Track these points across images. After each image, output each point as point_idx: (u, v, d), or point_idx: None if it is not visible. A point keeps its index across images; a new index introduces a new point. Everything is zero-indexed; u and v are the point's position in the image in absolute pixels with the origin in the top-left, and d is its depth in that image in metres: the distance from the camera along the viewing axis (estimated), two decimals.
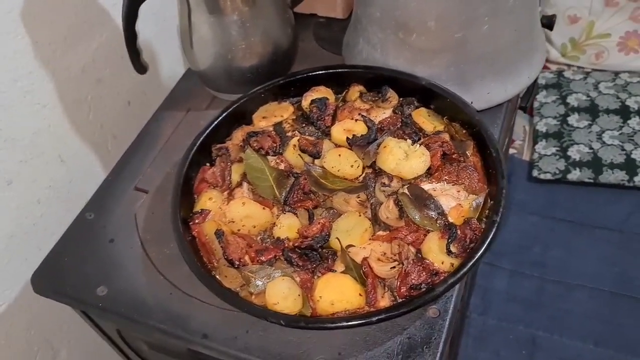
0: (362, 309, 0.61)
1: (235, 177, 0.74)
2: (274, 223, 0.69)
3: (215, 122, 0.78)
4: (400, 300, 0.61)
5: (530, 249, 1.44)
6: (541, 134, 1.62)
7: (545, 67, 1.83)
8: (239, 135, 0.80)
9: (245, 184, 0.73)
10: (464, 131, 0.75)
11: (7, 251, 0.84)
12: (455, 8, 0.72)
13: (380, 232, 0.67)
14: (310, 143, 0.75)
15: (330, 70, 0.82)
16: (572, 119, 1.63)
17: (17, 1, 0.78)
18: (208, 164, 0.77)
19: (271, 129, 0.80)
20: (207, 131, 0.77)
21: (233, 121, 0.80)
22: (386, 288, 0.62)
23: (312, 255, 0.65)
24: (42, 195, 0.89)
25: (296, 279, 0.64)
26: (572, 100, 1.67)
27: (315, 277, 0.64)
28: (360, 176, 0.72)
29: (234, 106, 0.80)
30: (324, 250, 0.66)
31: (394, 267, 0.62)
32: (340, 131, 0.76)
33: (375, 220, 0.68)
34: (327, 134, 0.78)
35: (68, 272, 0.73)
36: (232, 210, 0.70)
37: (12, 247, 0.84)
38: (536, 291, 1.37)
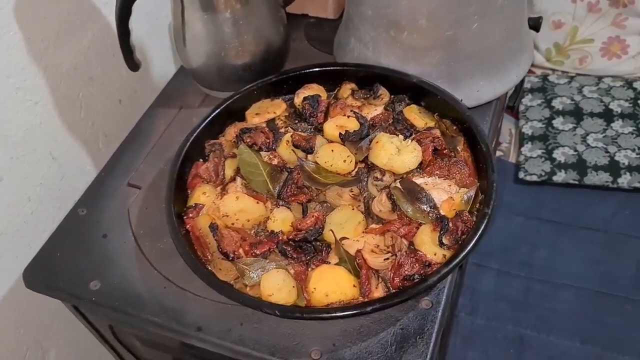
0: (356, 300, 0.61)
1: (229, 172, 0.75)
2: (268, 217, 0.70)
3: (209, 119, 0.79)
4: (394, 291, 0.61)
5: (517, 249, 1.46)
6: (527, 137, 1.64)
7: (530, 72, 1.85)
8: (232, 131, 0.80)
9: (238, 179, 0.74)
10: (455, 127, 0.76)
11: None
12: (446, 6, 0.74)
13: (373, 225, 0.68)
14: (303, 139, 0.76)
15: (323, 68, 0.83)
16: (557, 122, 1.66)
17: None
18: (201, 160, 0.78)
19: (264, 125, 0.80)
20: (201, 127, 0.78)
21: (226, 118, 0.81)
22: (380, 279, 0.63)
23: (307, 248, 0.65)
24: (33, 193, 0.88)
25: (290, 272, 0.64)
26: (556, 103, 1.70)
27: (309, 269, 0.65)
28: (352, 171, 0.73)
29: (227, 103, 0.80)
30: (317, 243, 0.66)
31: (387, 258, 0.63)
32: (332, 127, 0.77)
33: (368, 213, 0.69)
34: (319, 131, 0.79)
35: (60, 267, 0.73)
36: (226, 205, 0.71)
37: (2, 245, 0.84)
38: (523, 291, 1.38)
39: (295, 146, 0.76)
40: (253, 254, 0.66)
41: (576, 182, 1.52)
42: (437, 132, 0.75)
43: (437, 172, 0.72)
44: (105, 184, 0.82)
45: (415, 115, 0.78)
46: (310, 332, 0.64)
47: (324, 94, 0.83)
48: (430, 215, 0.67)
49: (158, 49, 1.09)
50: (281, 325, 0.64)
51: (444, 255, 0.63)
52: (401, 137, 0.74)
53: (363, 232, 0.67)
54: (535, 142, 1.62)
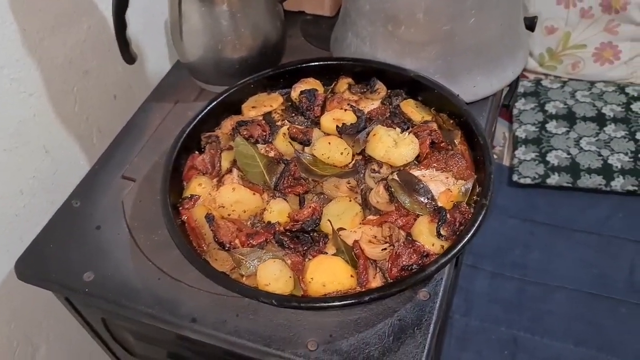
0: (353, 290, 0.61)
1: (225, 164, 0.74)
2: (264, 208, 0.69)
3: (205, 111, 0.78)
4: (391, 281, 0.61)
5: (511, 251, 1.46)
6: (521, 140, 1.65)
7: (523, 76, 1.87)
8: (228, 124, 0.80)
9: (235, 171, 0.73)
10: (452, 121, 0.76)
11: None
12: (443, 0, 0.74)
13: (371, 217, 0.67)
14: (300, 131, 0.76)
15: (320, 62, 0.83)
16: (551, 126, 1.67)
17: None
18: (197, 152, 0.77)
19: (261, 118, 0.80)
20: (197, 119, 0.77)
21: (222, 111, 0.81)
22: (377, 269, 0.62)
23: (304, 238, 0.65)
24: (26, 186, 0.87)
25: (287, 262, 0.64)
26: (550, 107, 1.71)
27: (307, 259, 0.64)
28: (349, 163, 0.73)
29: (224, 95, 0.80)
30: (314, 233, 0.66)
31: (385, 248, 0.63)
32: (329, 120, 0.77)
33: (365, 205, 0.68)
34: (316, 124, 0.78)
35: (53, 259, 0.72)
36: (222, 196, 0.70)
37: None
38: (517, 293, 1.38)
39: (292, 138, 0.75)
40: (249, 245, 0.65)
41: (569, 185, 1.53)
42: (434, 126, 0.74)
43: (435, 164, 0.71)
44: (100, 176, 0.81)
45: (412, 109, 0.77)
46: (306, 323, 0.63)
47: (320, 88, 0.83)
48: (428, 206, 0.67)
49: (154, 45, 1.08)
50: (277, 316, 0.64)
51: (442, 246, 0.63)
52: (398, 130, 0.74)
53: (360, 224, 0.67)
54: (529, 145, 1.63)
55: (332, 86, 0.84)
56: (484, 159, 0.69)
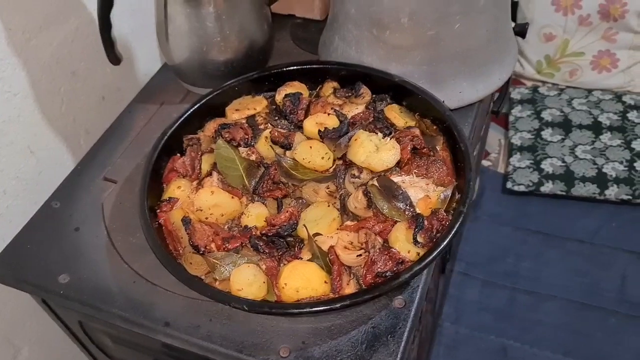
0: (327, 296, 0.60)
1: (205, 166, 0.74)
2: (242, 212, 0.69)
3: (187, 113, 0.78)
4: (365, 287, 0.60)
5: (503, 259, 1.45)
6: (516, 147, 1.64)
7: (520, 83, 1.86)
8: (211, 127, 0.79)
9: (215, 174, 0.73)
10: (435, 127, 0.76)
11: None
12: (428, 5, 0.73)
13: (348, 222, 0.67)
14: (282, 135, 0.75)
15: (305, 66, 0.83)
16: (546, 134, 1.66)
17: None
18: (179, 154, 0.77)
19: (244, 121, 0.80)
20: (179, 122, 0.77)
21: (206, 113, 0.80)
22: (352, 276, 0.62)
23: (279, 243, 0.64)
24: (9, 186, 0.87)
25: (262, 267, 0.63)
26: (546, 115, 1.70)
27: (281, 264, 0.63)
28: (330, 168, 0.73)
29: (207, 98, 0.79)
30: (290, 238, 0.65)
31: (360, 255, 0.62)
32: (312, 124, 0.76)
33: (343, 210, 0.68)
34: (299, 128, 0.78)
35: (30, 260, 0.71)
36: (201, 199, 0.69)
37: None
38: (507, 301, 1.37)
39: (274, 142, 0.75)
40: (225, 249, 0.65)
41: (563, 193, 1.52)
42: (417, 131, 0.74)
43: (415, 170, 0.71)
44: (81, 177, 0.81)
45: (396, 114, 0.77)
46: (279, 330, 0.62)
47: (305, 92, 0.82)
48: (407, 213, 0.66)
49: (144, 47, 1.08)
50: (251, 322, 0.63)
51: (418, 253, 0.62)
52: (380, 135, 0.73)
53: (338, 229, 0.66)
54: (524, 152, 1.62)
55: (317, 90, 0.84)
56: (465, 166, 0.68)
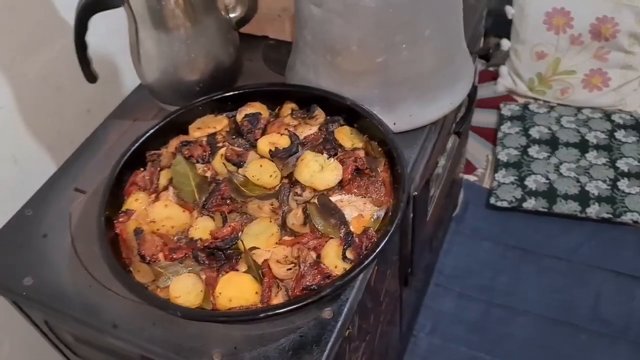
0: (255, 306, 0.65)
1: (163, 181, 0.79)
2: (191, 225, 0.74)
3: (151, 131, 0.83)
4: (288, 299, 0.65)
5: (480, 273, 1.48)
6: (502, 163, 1.67)
7: (512, 100, 1.89)
8: (174, 143, 0.85)
9: (171, 188, 0.78)
10: (380, 149, 0.80)
11: None
12: (374, 35, 0.78)
13: (286, 238, 0.72)
14: (236, 153, 0.81)
15: (264, 88, 0.88)
16: (533, 150, 1.68)
17: None
18: (142, 169, 0.82)
19: (204, 139, 0.85)
20: (143, 138, 0.82)
21: (171, 130, 0.86)
22: (281, 288, 0.66)
23: (218, 255, 0.69)
24: None
25: (202, 277, 0.68)
26: (534, 132, 1.73)
27: (220, 275, 0.68)
28: (277, 186, 0.77)
29: (171, 117, 0.85)
30: (231, 251, 0.70)
31: (290, 268, 0.67)
32: (265, 144, 0.81)
33: (283, 226, 0.73)
34: (254, 147, 0.83)
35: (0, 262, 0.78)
36: (155, 211, 0.75)
37: None
38: (481, 314, 1.40)
39: (227, 160, 0.80)
40: (171, 259, 0.70)
41: (545, 210, 1.54)
42: (361, 153, 0.78)
43: (355, 190, 0.75)
44: (54, 187, 0.87)
45: (344, 136, 0.81)
46: (215, 335, 0.67)
47: (265, 112, 0.87)
48: (341, 230, 0.70)
49: (129, 64, 1.14)
50: (190, 327, 0.68)
51: (345, 269, 0.66)
52: (326, 155, 0.78)
53: (276, 244, 0.71)
54: (509, 168, 1.65)
55: (276, 110, 0.89)
56: (399, 187, 0.72)
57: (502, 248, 1.52)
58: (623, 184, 1.55)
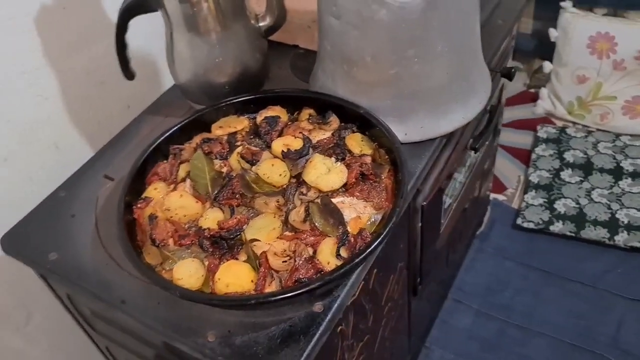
0: (248, 293, 0.69)
1: (182, 173, 0.85)
2: (202, 215, 0.79)
3: (176, 127, 0.90)
4: (277, 290, 0.69)
5: (500, 292, 1.48)
6: (532, 185, 1.66)
7: (550, 122, 1.87)
8: (197, 139, 0.91)
9: (188, 180, 0.84)
10: (387, 157, 0.84)
11: None
12: (387, 48, 0.82)
13: (287, 233, 0.76)
14: (251, 152, 0.86)
15: (284, 93, 0.93)
16: (565, 174, 1.67)
17: (35, 6, 0.94)
18: (165, 161, 0.89)
19: (225, 137, 0.91)
20: (168, 133, 0.89)
21: (195, 127, 0.92)
22: (275, 278, 0.71)
23: (222, 244, 0.74)
24: (35, 175, 1.02)
25: (205, 263, 0.73)
26: (568, 156, 1.71)
27: (222, 263, 0.73)
28: (285, 184, 0.82)
29: (196, 115, 0.91)
30: (234, 241, 0.75)
31: (286, 261, 0.71)
32: (279, 145, 0.86)
33: (286, 222, 0.77)
34: (270, 147, 0.88)
35: (30, 237, 0.85)
36: (171, 200, 0.81)
37: (0, 216, 0.98)
38: (497, 333, 1.40)
39: (242, 157, 0.85)
40: (180, 244, 0.76)
41: (572, 235, 1.53)
42: (368, 159, 0.82)
43: (358, 193, 0.79)
44: (87, 172, 0.95)
45: (354, 142, 0.85)
46: (212, 319, 0.72)
47: (284, 116, 0.92)
48: (338, 230, 0.74)
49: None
50: (191, 310, 0.73)
51: (336, 265, 0.70)
52: (334, 159, 0.82)
53: (277, 238, 0.75)
54: (539, 190, 1.64)
55: (295, 115, 0.94)
56: (398, 194, 0.76)
57: (525, 269, 1.51)
58: None
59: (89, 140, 1.12)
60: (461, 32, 0.85)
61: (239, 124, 0.92)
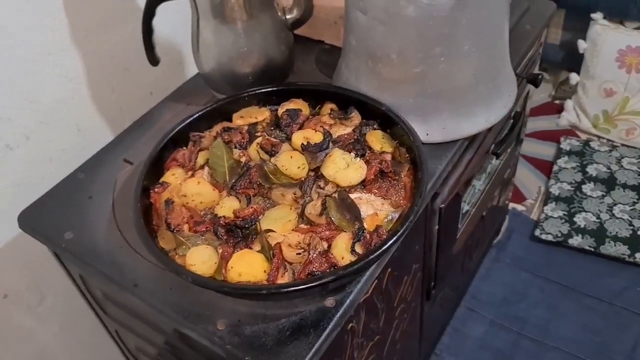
0: (260, 283, 0.69)
1: (200, 160, 0.85)
2: (218, 203, 0.79)
3: (198, 114, 0.89)
4: (288, 282, 0.68)
5: (515, 303, 1.45)
6: (553, 197, 1.64)
7: (574, 135, 1.84)
8: (217, 128, 0.91)
9: (206, 168, 0.84)
10: (407, 156, 0.83)
11: (13, 197, 0.98)
12: (413, 45, 0.81)
13: (303, 226, 0.75)
14: (271, 143, 0.85)
15: (307, 87, 0.92)
16: (587, 188, 1.64)
17: None
18: (185, 147, 0.89)
19: (245, 127, 0.90)
20: (188, 120, 0.89)
21: (217, 116, 0.91)
22: (288, 270, 0.70)
23: (237, 232, 0.74)
24: (55, 156, 1.03)
25: (219, 250, 0.73)
26: (591, 169, 1.68)
27: (236, 251, 0.73)
28: (303, 177, 0.81)
29: (218, 104, 0.91)
30: (249, 230, 0.74)
31: (299, 253, 0.70)
32: (300, 137, 0.85)
33: (302, 215, 0.76)
34: (290, 139, 0.87)
35: (47, 216, 0.86)
36: (188, 187, 0.80)
37: (18, 195, 0.98)
38: (510, 345, 1.38)
39: (262, 148, 0.85)
40: (194, 231, 0.75)
41: (592, 249, 1.50)
42: (388, 157, 0.81)
43: (376, 190, 0.78)
44: (107, 155, 0.95)
45: (375, 139, 0.84)
46: (223, 307, 0.71)
47: (306, 109, 0.92)
48: (354, 225, 0.73)
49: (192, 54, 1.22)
50: (202, 296, 0.73)
51: (351, 261, 0.69)
52: (353, 155, 0.81)
53: (292, 230, 0.74)
54: (559, 203, 1.62)
55: (317, 109, 0.93)
56: (417, 192, 0.75)
57: (542, 281, 1.49)
58: None
59: (110, 124, 1.12)
60: (490, 32, 0.83)
61: (260, 114, 0.92)
